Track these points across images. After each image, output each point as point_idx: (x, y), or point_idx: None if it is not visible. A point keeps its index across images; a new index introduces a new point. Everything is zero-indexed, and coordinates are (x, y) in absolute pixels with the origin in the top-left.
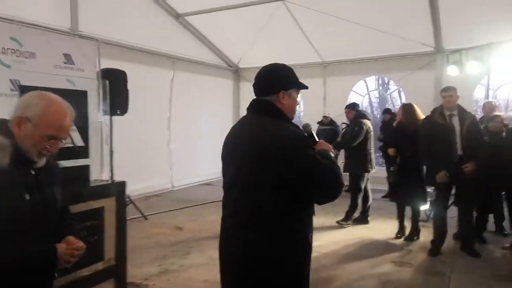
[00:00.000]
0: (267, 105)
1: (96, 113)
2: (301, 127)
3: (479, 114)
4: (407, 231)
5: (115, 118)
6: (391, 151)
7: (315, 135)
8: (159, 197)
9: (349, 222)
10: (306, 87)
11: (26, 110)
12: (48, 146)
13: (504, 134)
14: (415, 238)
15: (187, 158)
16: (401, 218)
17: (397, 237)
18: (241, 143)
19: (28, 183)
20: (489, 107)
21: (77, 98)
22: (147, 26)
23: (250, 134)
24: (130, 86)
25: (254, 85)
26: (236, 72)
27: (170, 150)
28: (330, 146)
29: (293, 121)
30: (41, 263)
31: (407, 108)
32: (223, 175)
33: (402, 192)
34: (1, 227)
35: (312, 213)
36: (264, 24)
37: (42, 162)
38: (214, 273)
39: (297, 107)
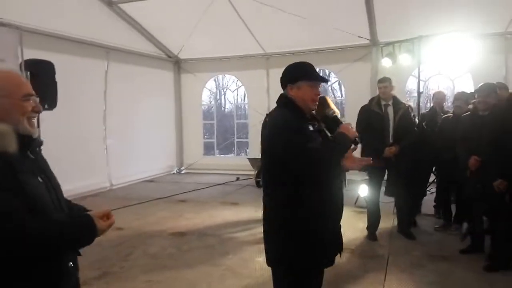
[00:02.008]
0: (281, 98)
1: None
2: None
3: (411, 104)
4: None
5: (43, 113)
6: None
7: (339, 118)
8: (97, 197)
9: None
10: (316, 79)
11: None
12: (31, 107)
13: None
14: None
15: (126, 154)
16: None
17: None
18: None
19: (34, 166)
20: (439, 96)
21: None
22: (77, 13)
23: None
24: (59, 78)
25: None
26: (176, 63)
27: (106, 146)
28: (351, 129)
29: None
30: (82, 233)
31: (321, 102)
32: None
33: None
34: (32, 210)
35: (323, 182)
36: (203, 13)
37: (36, 131)
38: (157, 273)
39: (313, 95)
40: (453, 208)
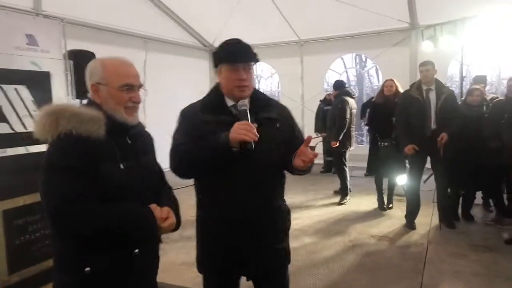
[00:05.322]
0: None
1: (65, 97)
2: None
3: (454, 89)
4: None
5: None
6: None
7: (248, 115)
8: None
9: (347, 197)
10: (235, 61)
11: (92, 78)
12: (129, 97)
13: (484, 108)
14: (390, 206)
15: (165, 143)
16: (384, 191)
17: (383, 209)
18: None
19: (126, 152)
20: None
21: (40, 81)
22: (115, 4)
23: None
24: None
25: None
26: (211, 52)
27: None
28: (241, 130)
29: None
30: (140, 222)
31: (394, 85)
32: None
33: (387, 166)
34: (100, 196)
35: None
36: (237, 1)
37: (135, 120)
38: (193, 255)
39: (235, 81)
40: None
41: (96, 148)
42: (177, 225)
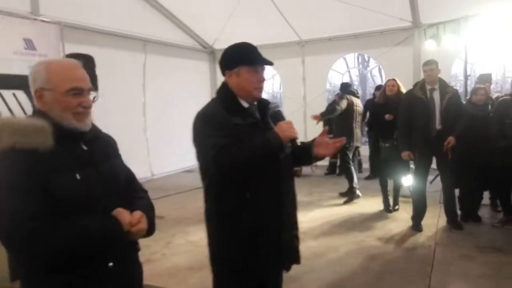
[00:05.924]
0: (220, 86)
1: None
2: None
3: (458, 88)
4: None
5: None
6: (388, 116)
7: (282, 113)
8: None
9: (355, 195)
10: (258, 63)
11: (35, 83)
12: (78, 102)
13: (490, 107)
14: (396, 208)
15: (165, 145)
16: (389, 193)
17: (389, 211)
18: None
19: (81, 160)
20: None
21: None
22: (114, 7)
23: None
24: (100, 71)
25: None
26: (211, 53)
27: (147, 138)
28: (287, 129)
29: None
30: (106, 234)
31: (396, 84)
32: None
33: (390, 167)
34: (56, 211)
35: (248, 191)
36: (237, 2)
37: (87, 125)
38: (198, 259)
39: (256, 83)
40: None
41: (45, 161)
42: (150, 230)
